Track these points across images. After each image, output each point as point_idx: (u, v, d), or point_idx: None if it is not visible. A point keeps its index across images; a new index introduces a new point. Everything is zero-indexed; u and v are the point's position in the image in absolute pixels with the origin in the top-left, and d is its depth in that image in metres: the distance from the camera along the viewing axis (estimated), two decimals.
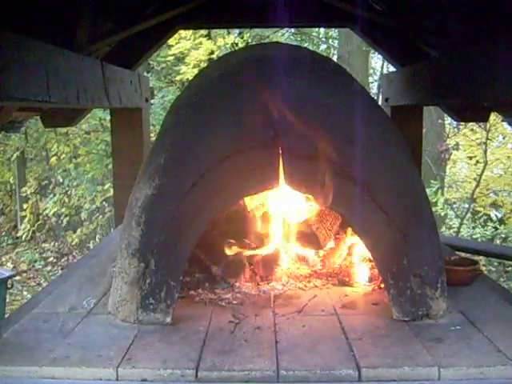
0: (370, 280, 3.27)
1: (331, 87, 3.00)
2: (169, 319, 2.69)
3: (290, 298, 3.07)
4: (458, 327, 2.64)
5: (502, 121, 8.48)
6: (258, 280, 3.29)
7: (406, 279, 2.70)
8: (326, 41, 14.05)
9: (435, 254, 2.80)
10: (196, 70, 8.66)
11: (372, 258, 2.94)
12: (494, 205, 10.55)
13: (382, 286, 3.01)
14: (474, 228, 10.08)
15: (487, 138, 9.71)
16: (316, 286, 3.26)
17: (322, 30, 13.40)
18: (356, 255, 3.47)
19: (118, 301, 2.79)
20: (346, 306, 2.94)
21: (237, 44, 9.89)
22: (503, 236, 9.72)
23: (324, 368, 2.26)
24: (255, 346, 2.45)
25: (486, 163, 9.78)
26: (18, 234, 11.26)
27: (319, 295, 3.11)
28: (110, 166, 7.06)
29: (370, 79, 13.03)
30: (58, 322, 2.74)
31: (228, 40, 9.84)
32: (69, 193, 10.71)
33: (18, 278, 8.70)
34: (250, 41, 10.16)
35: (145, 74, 8.61)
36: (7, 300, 5.73)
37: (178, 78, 10.31)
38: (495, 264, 8.73)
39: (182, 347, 2.45)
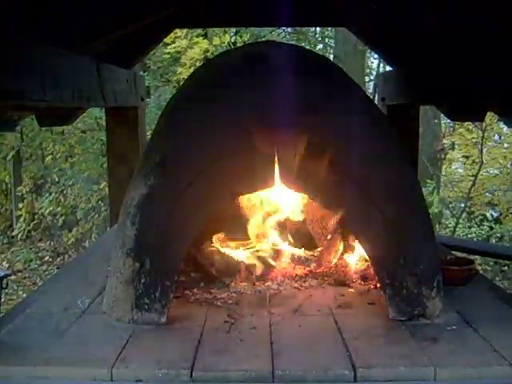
0: (366, 279, 3.27)
1: (327, 86, 2.99)
2: (164, 319, 2.68)
3: (286, 298, 3.06)
4: (453, 327, 2.64)
5: (498, 120, 8.48)
6: (254, 280, 3.28)
7: (402, 279, 2.70)
8: (323, 40, 14.03)
9: (431, 253, 2.80)
10: (192, 70, 8.63)
11: (368, 258, 2.93)
12: (490, 204, 10.55)
13: (378, 285, 3.00)
14: (469, 227, 10.08)
15: (483, 138, 9.71)
16: (312, 286, 3.25)
17: (318, 29, 13.39)
18: (352, 255, 3.46)
19: (112, 300, 2.78)
20: (342, 305, 2.94)
21: (234, 43, 9.87)
22: (499, 235, 9.72)
23: (320, 368, 2.25)
24: (251, 346, 2.45)
25: (481, 163, 9.78)
26: (14, 234, 11.20)
27: (315, 295, 3.11)
28: (106, 165, 7.04)
29: (367, 78, 13.02)
30: (53, 322, 2.73)
31: (224, 39, 9.81)
32: (64, 192, 10.67)
33: (13, 277, 8.66)
34: (246, 40, 10.14)
35: (141, 73, 8.58)
36: (2, 300, 5.70)
37: (175, 77, 10.28)
38: (491, 263, 8.74)
39: (177, 347, 2.45)
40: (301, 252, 3.57)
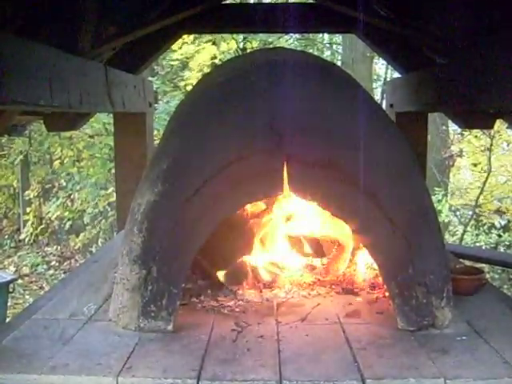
0: (374, 288, 3.24)
1: (336, 93, 2.98)
2: (170, 327, 2.66)
3: (294, 306, 3.04)
4: (463, 337, 2.60)
5: (507, 128, 8.44)
6: (261, 287, 3.26)
7: (411, 288, 2.67)
8: (330, 47, 14.05)
9: (441, 262, 2.77)
10: (200, 75, 8.65)
11: (376, 266, 2.90)
12: (498, 212, 10.50)
13: (387, 294, 2.97)
14: (477, 235, 10.03)
15: (491, 145, 9.68)
16: (319, 294, 3.22)
17: (326, 35, 13.40)
18: (360, 263, 3.43)
19: (119, 308, 2.76)
20: (350, 314, 2.91)
21: (243, 49, 9.88)
22: (507, 243, 9.66)
23: (327, 379, 2.22)
24: (258, 355, 2.42)
25: (490, 170, 9.75)
26: (21, 238, 11.25)
27: (323, 303, 3.07)
28: (114, 171, 7.05)
29: (374, 85, 13.01)
30: (58, 329, 2.71)
31: (232, 45, 9.83)
32: (72, 197, 10.70)
33: (20, 281, 8.68)
34: (254, 46, 10.15)
35: (149, 78, 8.59)
36: (9, 304, 5.71)
37: (183, 82, 10.30)
38: (498, 271, 8.68)
39: (184, 356, 2.42)
40: (309, 260, 3.54)
